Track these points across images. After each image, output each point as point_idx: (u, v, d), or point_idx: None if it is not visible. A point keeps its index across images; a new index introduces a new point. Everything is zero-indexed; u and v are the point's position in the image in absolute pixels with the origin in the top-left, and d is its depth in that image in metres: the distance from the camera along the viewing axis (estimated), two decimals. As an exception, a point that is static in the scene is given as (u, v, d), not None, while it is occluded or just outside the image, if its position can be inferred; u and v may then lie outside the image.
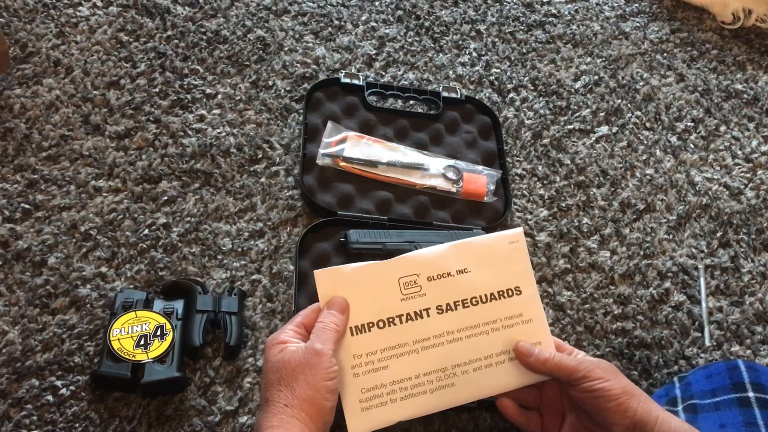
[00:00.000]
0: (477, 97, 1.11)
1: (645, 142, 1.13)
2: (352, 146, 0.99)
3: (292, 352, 0.65)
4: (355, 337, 0.70)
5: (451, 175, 1.00)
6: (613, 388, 0.67)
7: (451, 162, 1.01)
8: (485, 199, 0.99)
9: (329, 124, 1.00)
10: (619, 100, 1.17)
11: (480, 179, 1.00)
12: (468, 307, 0.73)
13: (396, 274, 0.73)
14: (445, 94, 1.09)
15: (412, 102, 1.09)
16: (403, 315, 0.71)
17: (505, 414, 0.74)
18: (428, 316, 0.72)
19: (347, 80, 1.06)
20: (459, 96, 1.09)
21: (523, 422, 0.74)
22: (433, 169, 1.00)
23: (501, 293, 0.75)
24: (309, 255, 0.89)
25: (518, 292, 0.75)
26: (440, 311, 0.72)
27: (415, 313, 0.72)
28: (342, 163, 0.97)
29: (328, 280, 0.71)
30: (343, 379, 0.69)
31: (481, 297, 0.74)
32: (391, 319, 0.71)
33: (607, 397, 0.66)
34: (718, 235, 1.04)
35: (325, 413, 0.63)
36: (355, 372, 0.69)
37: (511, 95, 1.14)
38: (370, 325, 0.71)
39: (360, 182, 0.97)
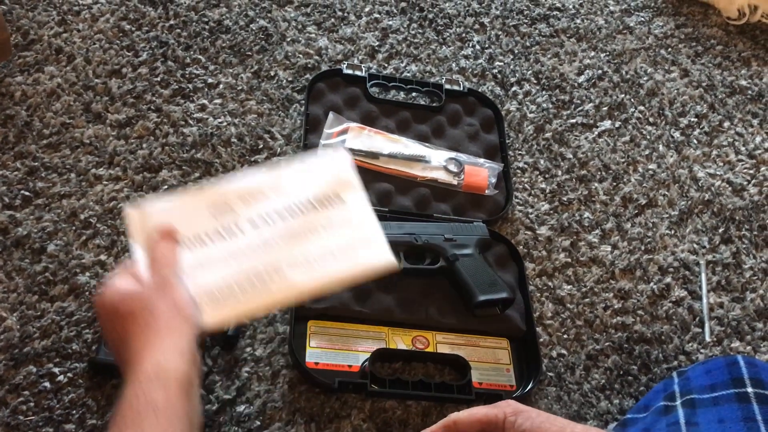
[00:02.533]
0: (480, 90, 1.11)
1: (648, 137, 1.12)
2: (354, 137, 0.98)
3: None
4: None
5: (452, 167, 0.99)
6: None
7: (453, 155, 1.01)
8: (486, 192, 0.99)
9: (331, 115, 1.00)
10: (623, 95, 1.16)
11: (481, 172, 0.99)
12: (286, 219, 0.70)
13: (206, 204, 0.69)
14: (447, 86, 1.08)
15: (414, 94, 1.08)
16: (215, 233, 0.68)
17: None
18: (243, 233, 0.68)
19: (349, 71, 1.06)
20: (461, 88, 1.09)
21: None
22: (435, 162, 0.99)
23: (321, 203, 0.71)
24: (309, 246, 0.89)
25: (342, 201, 0.72)
26: (255, 226, 0.69)
27: (228, 230, 0.68)
28: (343, 154, 0.96)
29: (139, 221, 0.67)
30: None
31: (299, 207, 0.71)
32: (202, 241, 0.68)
33: None
34: (720, 230, 1.04)
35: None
36: None
37: (514, 88, 1.13)
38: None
39: (361, 174, 0.94)
